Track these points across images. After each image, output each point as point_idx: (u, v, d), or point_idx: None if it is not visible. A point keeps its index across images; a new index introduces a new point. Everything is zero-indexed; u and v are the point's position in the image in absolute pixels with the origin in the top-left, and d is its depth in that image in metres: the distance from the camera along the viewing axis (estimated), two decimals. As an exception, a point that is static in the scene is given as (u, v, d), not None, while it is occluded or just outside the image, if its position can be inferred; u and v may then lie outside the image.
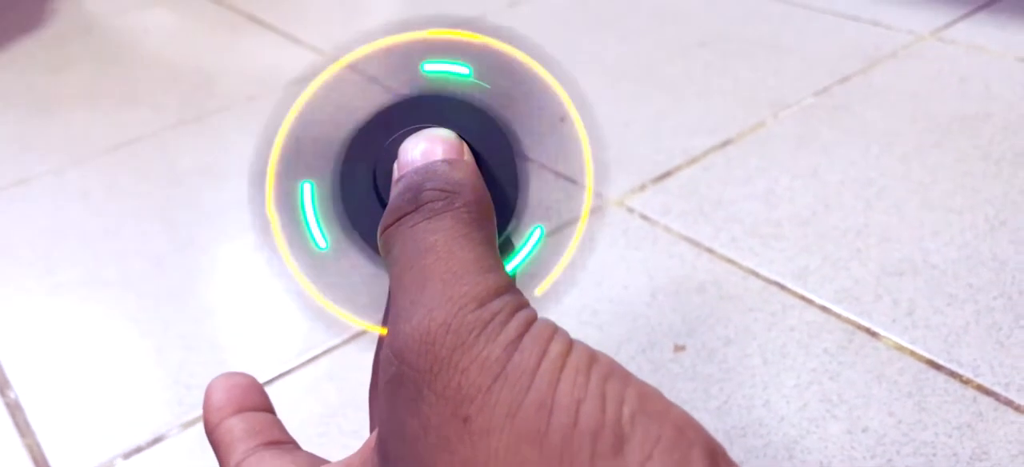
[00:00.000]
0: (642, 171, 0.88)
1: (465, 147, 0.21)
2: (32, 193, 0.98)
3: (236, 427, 0.24)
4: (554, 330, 0.18)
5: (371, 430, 0.25)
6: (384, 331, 0.20)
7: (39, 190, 0.98)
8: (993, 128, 0.89)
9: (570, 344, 0.18)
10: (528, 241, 0.23)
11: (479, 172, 0.21)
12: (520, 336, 0.17)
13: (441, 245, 0.19)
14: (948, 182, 0.82)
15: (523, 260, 0.23)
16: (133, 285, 0.80)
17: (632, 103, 1.02)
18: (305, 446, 0.26)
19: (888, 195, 0.81)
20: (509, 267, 0.22)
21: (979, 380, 0.61)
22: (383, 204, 0.22)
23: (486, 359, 0.17)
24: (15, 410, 0.68)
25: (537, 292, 0.23)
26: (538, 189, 0.22)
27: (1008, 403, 0.59)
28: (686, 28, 1.20)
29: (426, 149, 0.21)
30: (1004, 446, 0.56)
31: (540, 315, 0.19)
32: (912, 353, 0.64)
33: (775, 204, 0.81)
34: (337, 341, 0.70)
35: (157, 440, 0.64)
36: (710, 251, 0.76)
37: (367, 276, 0.23)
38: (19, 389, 0.70)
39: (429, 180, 0.20)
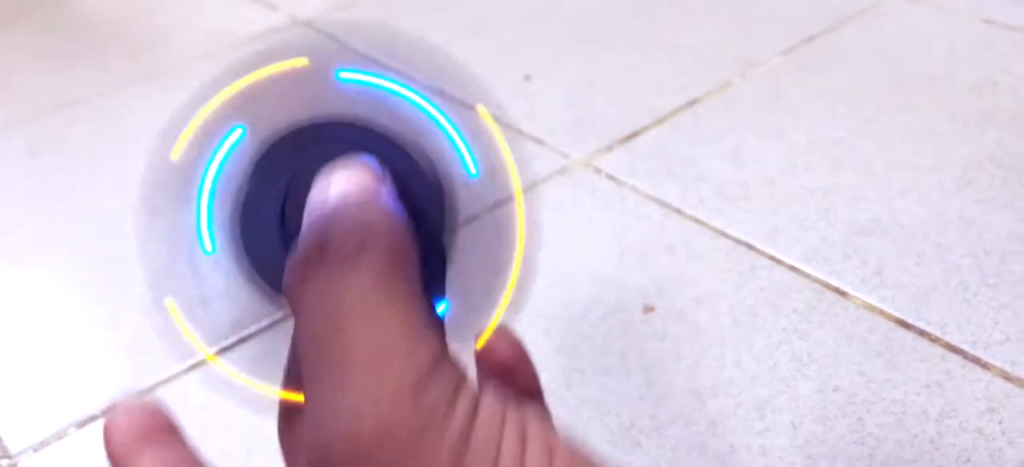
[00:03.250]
0: (609, 131, 0.87)
1: (385, 178, 0.18)
2: (-23, 153, 0.94)
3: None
4: (503, 417, 0.16)
5: None
6: (300, 398, 0.17)
7: (-16, 150, 0.94)
8: (959, 88, 0.89)
9: (524, 436, 0.16)
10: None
11: (399, 205, 0.18)
12: (467, 431, 0.15)
13: (358, 310, 0.16)
14: (915, 142, 0.82)
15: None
16: (85, 248, 0.78)
17: (598, 62, 1.01)
18: (259, 417, 0.22)
19: (856, 155, 0.81)
20: (441, 308, 0.19)
21: (947, 338, 0.61)
22: (286, 241, 0.19)
23: None
24: (-38, 378, 0.65)
25: (477, 345, 0.21)
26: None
27: (976, 361, 0.59)
28: (652, -13, 1.19)
29: (339, 184, 0.18)
30: (972, 403, 0.56)
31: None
32: (881, 312, 0.64)
33: (743, 164, 0.81)
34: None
35: (112, 408, 0.62)
36: (678, 211, 0.75)
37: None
38: (-35, 356, 0.67)
39: (337, 223, 0.17)
